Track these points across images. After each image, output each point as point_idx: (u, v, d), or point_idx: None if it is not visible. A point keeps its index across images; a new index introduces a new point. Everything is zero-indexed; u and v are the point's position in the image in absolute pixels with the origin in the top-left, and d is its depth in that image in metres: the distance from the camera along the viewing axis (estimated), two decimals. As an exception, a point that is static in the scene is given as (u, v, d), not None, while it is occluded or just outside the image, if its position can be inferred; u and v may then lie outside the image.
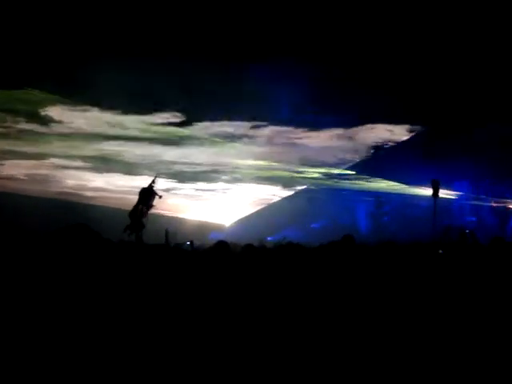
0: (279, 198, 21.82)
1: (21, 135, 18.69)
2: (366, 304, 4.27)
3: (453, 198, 19.28)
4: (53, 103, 18.59)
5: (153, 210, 15.28)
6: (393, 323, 4.07)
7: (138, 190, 15.78)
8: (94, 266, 5.05)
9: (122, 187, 20.41)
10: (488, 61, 15.97)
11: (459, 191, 19.34)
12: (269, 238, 16.76)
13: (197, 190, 21.04)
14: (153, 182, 15.46)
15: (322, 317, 4.12)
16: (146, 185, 15.88)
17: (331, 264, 4.85)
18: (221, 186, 21.19)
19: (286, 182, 21.75)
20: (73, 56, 16.22)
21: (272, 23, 16.24)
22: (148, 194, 15.10)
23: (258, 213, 21.10)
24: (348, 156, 21.08)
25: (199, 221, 20.69)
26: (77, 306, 4.22)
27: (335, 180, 21.33)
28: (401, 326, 4.04)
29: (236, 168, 21.02)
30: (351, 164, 21.03)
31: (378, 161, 20.22)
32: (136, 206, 14.91)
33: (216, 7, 16.07)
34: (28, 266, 4.62)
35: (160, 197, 15.16)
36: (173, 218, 19.40)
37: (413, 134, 19.89)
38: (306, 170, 21.45)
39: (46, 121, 18.73)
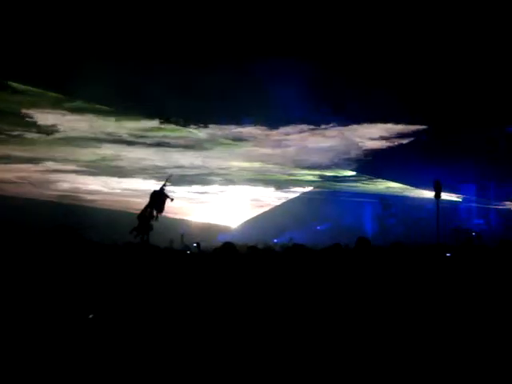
0: (280, 201, 21.78)
1: (15, 140, 18.35)
2: (376, 305, 4.27)
3: (459, 200, 19.26)
4: (46, 108, 18.21)
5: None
6: (403, 324, 4.06)
7: (132, 192, 15.73)
8: (98, 267, 5.05)
9: (116, 189, 20.39)
10: (494, 62, 15.82)
11: (464, 193, 19.31)
12: (275, 240, 16.75)
13: (193, 192, 20.69)
14: (164, 185, 15.35)
15: (332, 318, 4.12)
16: (138, 186, 15.83)
17: (344, 266, 4.84)
18: (216, 189, 20.89)
19: (282, 185, 21.45)
20: (69, 56, 15.99)
21: (266, 23, 15.97)
22: (159, 197, 15.03)
23: (263, 215, 21.09)
24: (344, 157, 20.54)
25: (205, 223, 20.71)
26: (81, 306, 4.23)
27: (332, 182, 21.24)
28: (411, 327, 4.03)
29: (232, 171, 20.70)
30: (349, 166, 20.69)
31: (378, 162, 20.02)
32: (145, 209, 14.85)
33: (216, 10, 15.93)
34: (22, 266, 4.63)
35: (172, 200, 15.07)
36: (178, 220, 19.37)
37: (414, 133, 19.36)
38: (302, 172, 21.10)
39: (39, 126, 18.37)
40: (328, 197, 20.38)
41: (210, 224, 20.73)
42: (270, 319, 4.10)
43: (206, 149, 20.00)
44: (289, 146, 20.29)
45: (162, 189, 15.16)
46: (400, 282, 4.58)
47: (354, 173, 20.94)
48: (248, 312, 4.20)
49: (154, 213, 14.83)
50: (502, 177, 17.89)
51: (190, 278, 5.01)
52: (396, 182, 20.57)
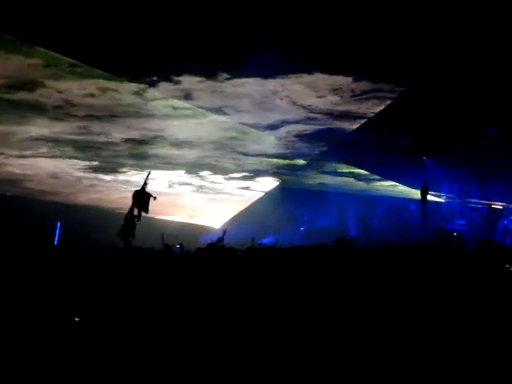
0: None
1: None
2: (360, 307, 4.28)
3: (441, 200, 19.41)
4: None
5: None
6: (386, 326, 4.07)
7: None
8: (84, 271, 5.02)
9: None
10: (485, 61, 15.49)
11: (446, 192, 19.43)
12: (260, 241, 16.66)
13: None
14: (145, 183, 15.27)
15: (317, 321, 4.12)
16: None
17: (325, 267, 4.85)
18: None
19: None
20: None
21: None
22: (141, 196, 14.95)
23: (245, 215, 20.95)
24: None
25: (182, 222, 20.51)
26: (68, 310, 4.19)
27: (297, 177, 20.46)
28: (395, 328, 4.04)
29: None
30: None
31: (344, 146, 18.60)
32: (131, 209, 14.76)
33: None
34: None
35: (154, 198, 15.01)
36: (159, 220, 19.06)
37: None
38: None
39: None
40: (309, 195, 20.26)
41: (189, 223, 20.53)
42: (263, 320, 4.10)
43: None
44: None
45: (143, 188, 15.10)
46: (382, 284, 4.60)
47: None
48: (240, 314, 4.20)
49: (136, 213, 14.76)
50: (484, 176, 18.00)
51: (180, 280, 4.99)
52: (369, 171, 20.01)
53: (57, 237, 16.54)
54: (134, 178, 19.28)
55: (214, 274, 4.90)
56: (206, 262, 5.31)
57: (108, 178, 19.46)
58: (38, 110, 16.96)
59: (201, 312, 4.31)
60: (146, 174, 17.13)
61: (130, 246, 12.22)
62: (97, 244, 6.01)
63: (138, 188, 15.29)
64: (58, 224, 16.36)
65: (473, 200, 18.83)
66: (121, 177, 19.42)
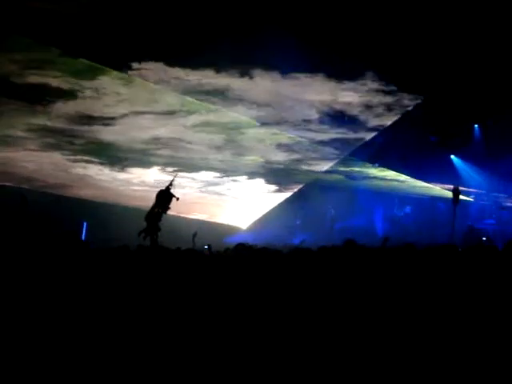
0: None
1: None
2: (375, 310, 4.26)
3: (471, 199, 19.17)
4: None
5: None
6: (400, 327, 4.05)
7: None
8: (110, 271, 5.09)
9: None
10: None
11: (475, 191, 19.19)
12: (294, 241, 16.52)
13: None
14: (170, 184, 15.47)
15: (333, 323, 4.12)
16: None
17: (336, 269, 4.82)
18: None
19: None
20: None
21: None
22: (165, 196, 15.13)
23: (273, 214, 20.84)
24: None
25: (211, 222, 20.48)
26: (87, 312, 4.26)
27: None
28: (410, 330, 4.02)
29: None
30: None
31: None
32: (152, 209, 14.94)
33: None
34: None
35: (177, 199, 15.15)
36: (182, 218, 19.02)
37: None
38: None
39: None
40: (338, 193, 20.10)
41: (222, 224, 20.52)
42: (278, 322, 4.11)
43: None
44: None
45: (168, 188, 15.29)
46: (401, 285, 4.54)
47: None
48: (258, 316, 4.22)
49: (160, 211, 14.95)
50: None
51: (202, 281, 5.03)
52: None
53: (84, 237, 16.67)
54: (131, 175, 19.44)
55: (242, 275, 4.94)
56: (236, 262, 5.35)
57: (103, 174, 19.43)
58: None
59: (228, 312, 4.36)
60: (136, 172, 17.58)
61: (157, 246, 12.35)
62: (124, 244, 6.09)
63: (161, 188, 15.49)
64: (85, 224, 16.52)
65: (503, 198, 18.58)
66: (119, 175, 19.41)
